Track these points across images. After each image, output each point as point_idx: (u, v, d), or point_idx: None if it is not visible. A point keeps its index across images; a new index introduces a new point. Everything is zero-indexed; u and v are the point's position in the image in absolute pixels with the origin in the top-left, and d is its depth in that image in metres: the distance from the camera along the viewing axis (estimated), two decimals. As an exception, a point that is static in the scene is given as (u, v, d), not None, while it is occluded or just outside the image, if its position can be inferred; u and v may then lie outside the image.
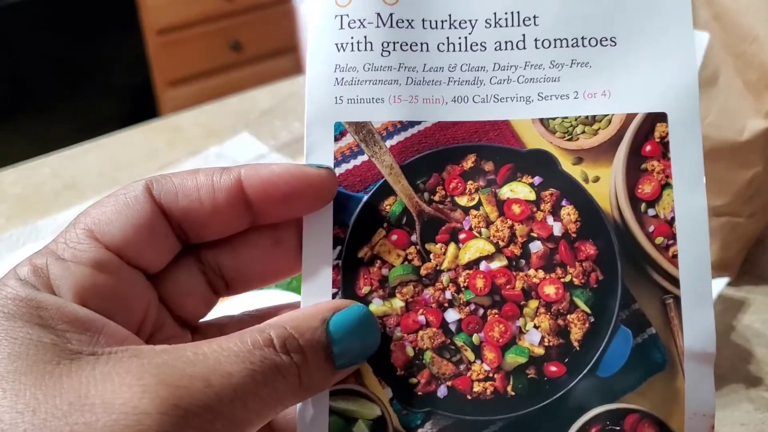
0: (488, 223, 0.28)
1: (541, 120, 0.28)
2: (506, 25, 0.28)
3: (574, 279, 0.27)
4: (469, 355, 0.27)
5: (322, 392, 0.26)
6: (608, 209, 0.28)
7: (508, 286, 0.27)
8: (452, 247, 0.28)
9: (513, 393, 0.27)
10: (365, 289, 0.27)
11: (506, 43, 0.28)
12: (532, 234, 0.28)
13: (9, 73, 1.70)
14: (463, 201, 0.28)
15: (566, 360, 0.27)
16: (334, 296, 0.27)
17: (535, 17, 0.28)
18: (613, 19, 0.28)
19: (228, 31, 1.89)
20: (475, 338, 0.27)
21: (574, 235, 0.28)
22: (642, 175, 0.28)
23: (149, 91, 1.86)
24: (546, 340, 0.27)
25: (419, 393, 0.27)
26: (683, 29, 0.28)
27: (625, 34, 0.28)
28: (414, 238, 0.28)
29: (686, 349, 0.26)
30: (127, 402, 0.21)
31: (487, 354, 0.27)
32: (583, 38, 0.28)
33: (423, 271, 0.28)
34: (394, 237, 0.28)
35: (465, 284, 0.27)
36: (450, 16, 0.28)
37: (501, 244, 0.28)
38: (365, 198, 0.28)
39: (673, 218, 0.27)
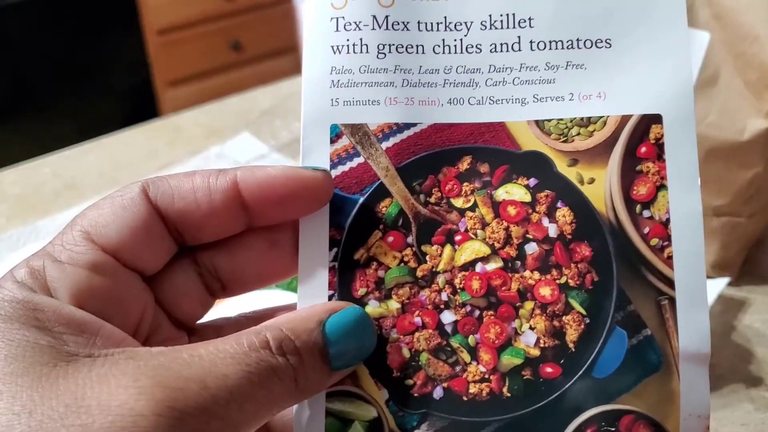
0: (484, 225, 0.28)
1: (537, 122, 0.28)
2: (501, 27, 0.28)
3: (570, 280, 0.27)
4: (465, 356, 0.27)
5: (318, 394, 0.26)
6: (603, 211, 0.28)
7: (503, 288, 0.28)
8: (448, 248, 0.28)
9: (509, 394, 0.27)
10: (361, 291, 0.28)
11: (501, 45, 0.28)
12: (527, 235, 0.28)
13: (9, 73, 1.70)
14: (458, 203, 0.28)
15: (562, 361, 0.27)
16: (330, 298, 0.27)
17: (530, 19, 0.28)
18: (608, 21, 0.28)
19: (228, 31, 1.89)
20: (471, 340, 0.27)
21: (569, 237, 0.28)
22: (637, 177, 0.28)
23: (149, 91, 1.86)
24: (541, 341, 0.27)
25: (415, 394, 0.27)
26: (678, 31, 0.28)
27: (620, 35, 0.28)
28: (410, 239, 0.28)
29: (681, 350, 0.26)
30: (123, 404, 0.21)
31: (482, 355, 0.27)
32: (578, 40, 0.28)
33: (419, 273, 0.28)
34: (390, 239, 0.28)
35: (461, 286, 0.28)
36: (445, 18, 0.28)
37: (497, 245, 0.28)
38: (361, 200, 0.28)
39: (668, 220, 0.27)
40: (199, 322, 0.29)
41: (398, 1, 0.28)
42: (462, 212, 0.28)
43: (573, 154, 0.28)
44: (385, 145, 0.28)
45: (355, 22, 0.28)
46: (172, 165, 0.77)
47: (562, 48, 0.28)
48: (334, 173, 0.28)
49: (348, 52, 0.28)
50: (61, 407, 0.21)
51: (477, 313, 0.27)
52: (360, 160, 0.28)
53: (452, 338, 0.27)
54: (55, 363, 0.22)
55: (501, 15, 0.28)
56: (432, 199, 0.28)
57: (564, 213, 0.28)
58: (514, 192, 0.28)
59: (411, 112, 0.28)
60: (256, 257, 0.28)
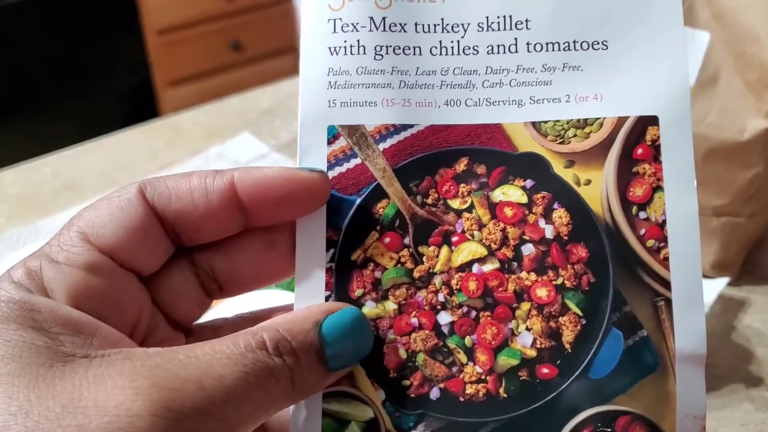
0: (481, 226, 0.28)
1: (533, 123, 0.28)
2: (498, 29, 0.28)
3: (566, 281, 0.27)
4: (462, 357, 0.27)
5: (315, 394, 0.26)
6: (600, 212, 0.28)
7: (500, 289, 0.28)
8: (445, 249, 0.28)
9: (505, 395, 0.27)
10: (358, 292, 0.28)
11: (498, 46, 0.28)
12: (524, 237, 0.28)
13: (9, 73, 1.70)
14: (455, 204, 0.28)
15: (558, 362, 0.27)
16: (327, 299, 0.27)
17: (527, 21, 0.28)
18: (604, 23, 0.28)
19: (228, 31, 1.89)
20: (468, 340, 0.27)
21: (565, 238, 0.28)
22: (633, 178, 0.28)
23: (149, 91, 1.86)
24: (538, 342, 0.27)
25: (412, 395, 0.27)
26: (674, 33, 0.28)
27: (617, 37, 0.28)
28: (407, 240, 0.28)
29: (677, 351, 0.26)
30: (119, 404, 0.21)
31: (479, 356, 0.27)
32: (574, 42, 0.28)
33: (416, 274, 0.28)
34: (387, 240, 0.28)
35: (457, 287, 0.28)
36: (442, 19, 0.29)
37: (493, 246, 0.28)
38: (358, 201, 0.28)
39: (664, 221, 0.27)
40: (196, 322, 0.29)
41: (395, 3, 0.28)
42: (459, 213, 0.28)
43: (569, 156, 0.28)
44: (382, 146, 0.28)
45: (353, 24, 0.28)
46: (172, 165, 0.77)
47: (559, 50, 0.28)
48: (331, 174, 0.28)
49: (345, 54, 0.28)
50: (57, 408, 0.21)
51: (474, 314, 0.28)
52: (357, 161, 0.28)
53: (449, 339, 0.27)
54: (52, 363, 0.22)
55: (498, 17, 0.28)
56: (429, 200, 0.28)
57: (560, 214, 0.28)
58: (511, 193, 0.28)
59: (408, 113, 0.28)
60: (253, 258, 0.28)
